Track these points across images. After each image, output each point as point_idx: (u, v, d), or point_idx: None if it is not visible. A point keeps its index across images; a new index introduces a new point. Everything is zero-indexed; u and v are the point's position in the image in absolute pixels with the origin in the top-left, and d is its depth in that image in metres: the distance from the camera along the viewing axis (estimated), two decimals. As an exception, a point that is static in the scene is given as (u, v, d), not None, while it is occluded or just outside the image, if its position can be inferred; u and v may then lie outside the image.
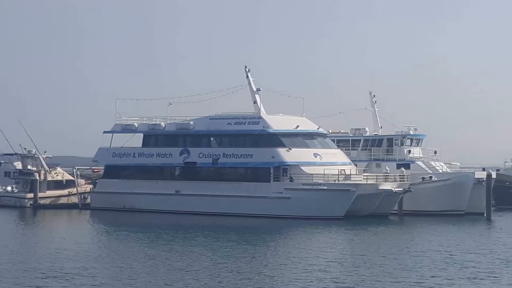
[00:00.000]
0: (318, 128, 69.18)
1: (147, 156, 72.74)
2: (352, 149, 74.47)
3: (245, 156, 66.53)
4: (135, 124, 75.10)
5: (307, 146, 66.43)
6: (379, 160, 72.19)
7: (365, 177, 64.87)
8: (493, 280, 28.58)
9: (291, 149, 64.16)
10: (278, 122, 67.18)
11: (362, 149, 74.91)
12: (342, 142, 75.33)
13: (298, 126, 66.95)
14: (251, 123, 67.51)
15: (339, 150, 69.53)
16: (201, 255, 36.86)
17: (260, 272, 30.29)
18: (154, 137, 74.07)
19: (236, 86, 71.31)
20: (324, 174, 62.61)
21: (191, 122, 70.95)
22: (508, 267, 32.55)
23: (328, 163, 64.62)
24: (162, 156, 71.37)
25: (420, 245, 42.49)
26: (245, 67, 69.95)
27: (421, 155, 73.93)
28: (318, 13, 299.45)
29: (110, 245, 44.04)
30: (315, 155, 65.39)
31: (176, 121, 73.68)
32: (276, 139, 65.55)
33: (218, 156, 67.78)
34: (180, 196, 69.16)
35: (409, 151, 72.55)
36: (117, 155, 74.53)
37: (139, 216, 65.26)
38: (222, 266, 32.03)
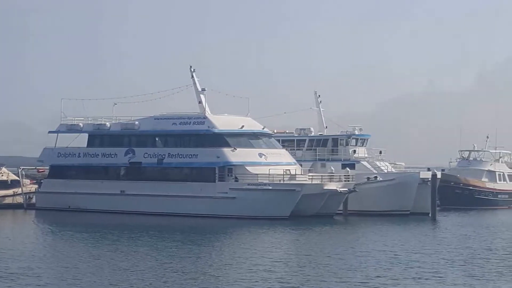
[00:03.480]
0: (263, 128, 69.30)
1: (92, 156, 72.21)
2: (297, 149, 74.66)
3: (190, 156, 66.39)
4: (80, 124, 74.60)
5: (252, 146, 66.50)
6: (324, 160, 72.48)
7: (310, 177, 65.04)
8: (438, 280, 28.85)
9: (236, 149, 64.18)
10: (223, 122, 67.16)
11: (307, 149, 75.18)
12: (287, 142, 75.52)
13: (243, 126, 67.00)
14: (196, 123, 67.41)
15: (284, 150, 69.70)
16: (146, 255, 36.71)
17: (205, 272, 30.21)
18: (99, 137, 73.59)
19: (181, 86, 71.13)
20: (269, 174, 62.72)
21: (136, 122, 70.64)
22: (453, 267, 32.91)
23: (273, 163, 64.79)
24: (107, 156, 70.93)
25: (365, 245, 42.79)
26: (190, 67, 69.79)
27: (366, 155, 74.34)
28: (264, 13, 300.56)
29: (55, 245, 43.64)
30: (260, 155, 65.53)
31: (121, 121, 73.32)
32: (221, 139, 65.53)
33: (163, 156, 67.56)
34: (125, 196, 68.72)
35: (354, 151, 72.96)
36: (62, 155, 73.90)
37: (85, 216, 64.74)
38: (167, 266, 31.92)
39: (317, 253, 38.53)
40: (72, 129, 74.61)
